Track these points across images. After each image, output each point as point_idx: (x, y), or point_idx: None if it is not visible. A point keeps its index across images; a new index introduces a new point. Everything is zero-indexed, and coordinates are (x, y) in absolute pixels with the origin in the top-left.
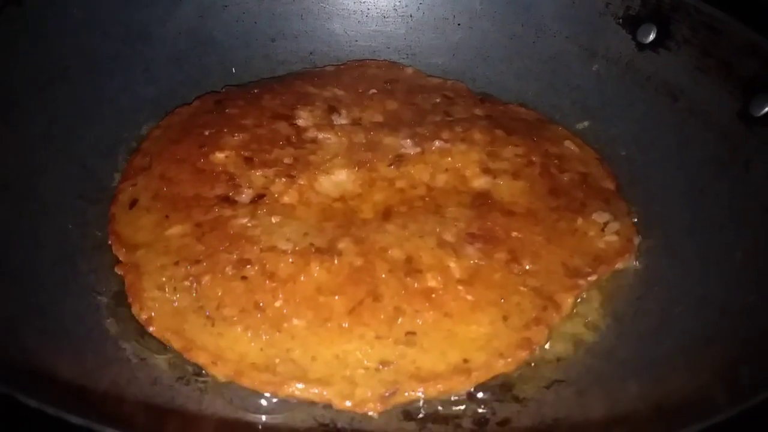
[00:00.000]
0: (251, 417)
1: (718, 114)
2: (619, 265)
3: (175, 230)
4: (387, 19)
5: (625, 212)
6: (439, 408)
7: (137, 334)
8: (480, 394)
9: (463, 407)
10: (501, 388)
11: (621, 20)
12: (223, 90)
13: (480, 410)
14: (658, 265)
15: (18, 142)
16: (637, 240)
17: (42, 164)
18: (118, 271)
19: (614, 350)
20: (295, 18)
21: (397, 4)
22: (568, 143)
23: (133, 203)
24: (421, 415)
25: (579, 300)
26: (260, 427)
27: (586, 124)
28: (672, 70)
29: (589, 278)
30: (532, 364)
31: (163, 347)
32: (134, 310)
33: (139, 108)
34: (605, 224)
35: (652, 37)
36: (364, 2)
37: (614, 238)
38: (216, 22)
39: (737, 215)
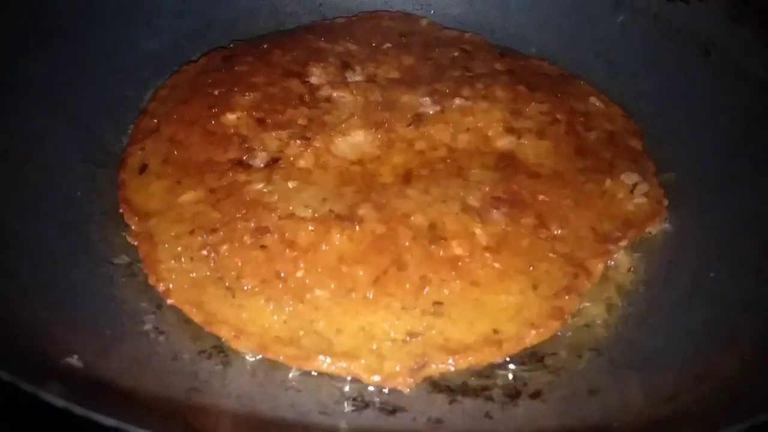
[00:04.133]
0: (277, 391)
1: (754, 68)
2: (649, 229)
3: (188, 197)
4: None
5: (653, 172)
6: (471, 378)
7: (155, 306)
8: (510, 365)
9: (493, 378)
10: (531, 357)
11: None
12: (231, 45)
13: (511, 381)
14: (689, 227)
15: (16, 104)
16: (666, 202)
17: (43, 128)
18: (131, 240)
19: (646, 318)
20: None
21: None
22: (593, 99)
23: (143, 168)
24: (450, 387)
25: (608, 265)
26: (286, 402)
27: (610, 78)
28: (704, 20)
29: (619, 243)
30: (562, 333)
31: (182, 319)
32: (151, 281)
33: (142, 65)
34: (634, 186)
35: None
36: None
37: (643, 200)
38: None
39: None
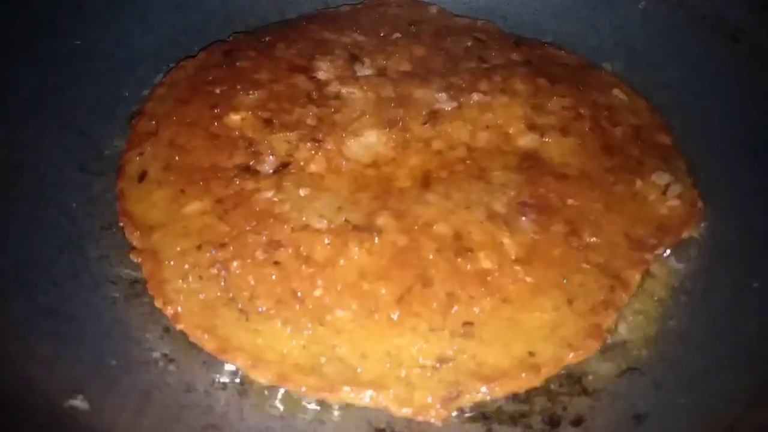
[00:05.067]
0: (300, 425)
1: None
2: (684, 235)
3: (193, 207)
4: None
5: (684, 171)
6: (506, 404)
7: (162, 330)
8: (547, 387)
9: (529, 403)
10: (567, 378)
11: None
12: (230, 39)
13: (549, 406)
14: (726, 230)
15: (5, 110)
16: (701, 204)
17: (35, 134)
18: (134, 257)
19: (689, 333)
20: None
21: None
22: (616, 92)
23: (143, 176)
24: (485, 414)
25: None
26: None
27: (631, 68)
28: (731, 6)
29: (655, 251)
30: (598, 350)
31: (193, 345)
32: (157, 303)
33: (137, 62)
34: (666, 186)
35: None
36: None
37: (677, 202)
38: None
39: None
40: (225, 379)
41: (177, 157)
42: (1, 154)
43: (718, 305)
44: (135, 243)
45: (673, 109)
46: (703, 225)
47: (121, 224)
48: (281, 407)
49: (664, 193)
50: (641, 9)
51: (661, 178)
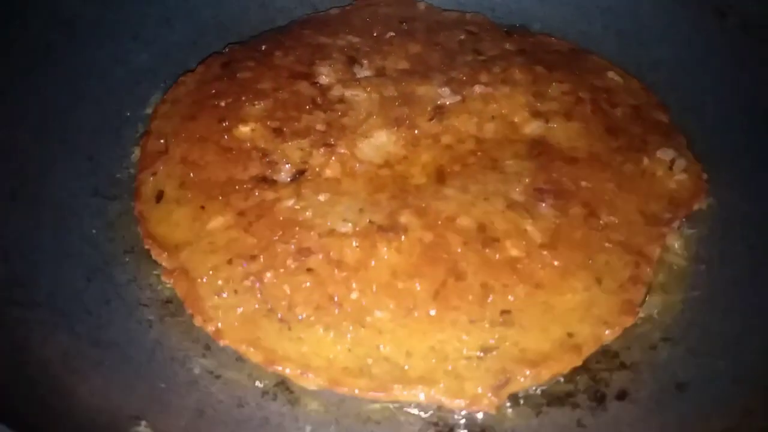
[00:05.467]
0: (355, 426)
1: None
2: (695, 206)
3: (216, 223)
4: None
5: (685, 146)
6: (549, 388)
7: (203, 347)
8: (588, 366)
9: (573, 383)
10: (605, 355)
11: None
12: (226, 50)
13: (592, 384)
14: (733, 199)
15: (13, 141)
16: (705, 176)
17: (45, 162)
18: (165, 278)
19: (713, 299)
20: None
21: None
22: (611, 74)
23: (160, 196)
24: (532, 398)
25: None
26: None
27: (622, 50)
28: None
29: (671, 225)
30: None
31: (235, 358)
32: (197, 322)
33: (136, 80)
34: (672, 161)
35: None
36: None
37: (684, 176)
38: None
39: None
40: (274, 390)
41: (192, 174)
42: (13, 186)
43: (737, 271)
44: (164, 264)
45: (667, 87)
46: (710, 196)
47: (147, 247)
48: (334, 411)
49: (670, 168)
50: None
51: (665, 154)
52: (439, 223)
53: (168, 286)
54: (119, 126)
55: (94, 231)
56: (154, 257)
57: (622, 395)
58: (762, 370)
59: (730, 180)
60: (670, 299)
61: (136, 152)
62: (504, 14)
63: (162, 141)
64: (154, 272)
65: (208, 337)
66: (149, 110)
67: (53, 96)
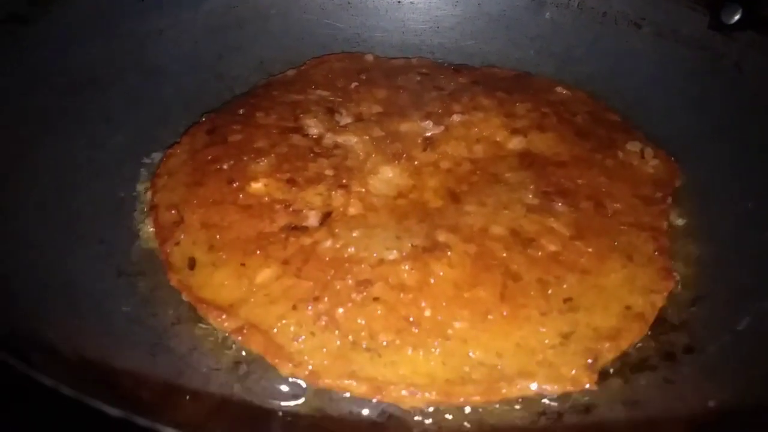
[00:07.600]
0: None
1: (687, 30)
2: (677, 183)
3: (264, 276)
4: (326, 11)
5: (644, 137)
6: (626, 358)
7: (291, 397)
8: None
9: (642, 352)
10: (655, 323)
11: None
12: (204, 120)
13: (659, 346)
14: (702, 175)
15: (24, 230)
16: (672, 158)
17: (59, 252)
18: (235, 337)
19: (723, 253)
20: (234, 29)
21: None
22: (559, 89)
23: (192, 263)
24: (614, 370)
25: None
26: None
27: (558, 70)
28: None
29: (666, 202)
30: None
31: (328, 398)
32: (285, 370)
33: (118, 161)
34: (641, 151)
35: None
36: None
37: (656, 161)
38: (156, 49)
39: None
40: (380, 420)
41: (218, 236)
42: (42, 279)
43: (731, 228)
44: (226, 324)
45: (609, 93)
46: (685, 173)
47: (201, 313)
48: (449, 421)
49: (642, 157)
50: (548, 18)
51: (634, 146)
52: (475, 235)
53: (235, 346)
54: (116, 208)
55: (128, 309)
56: (211, 321)
57: (688, 349)
58: None
59: (694, 158)
60: (687, 261)
61: (144, 228)
62: (443, 55)
63: (174, 212)
64: (210, 338)
65: (295, 384)
66: (140, 187)
67: (48, 184)
